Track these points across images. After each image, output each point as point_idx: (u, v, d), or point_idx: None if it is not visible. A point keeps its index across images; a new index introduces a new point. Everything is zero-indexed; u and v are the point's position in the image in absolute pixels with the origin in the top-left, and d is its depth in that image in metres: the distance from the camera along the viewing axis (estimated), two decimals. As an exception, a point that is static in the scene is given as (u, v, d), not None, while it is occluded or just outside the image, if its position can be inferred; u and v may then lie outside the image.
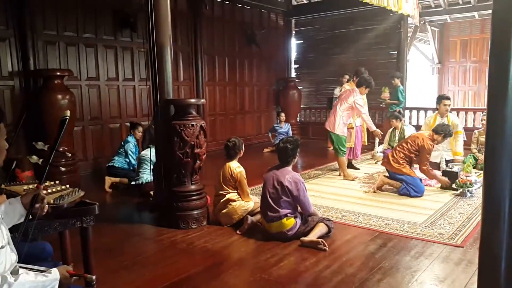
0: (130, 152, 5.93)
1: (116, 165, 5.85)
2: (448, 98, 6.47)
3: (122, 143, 6.08)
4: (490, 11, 2.17)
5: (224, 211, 4.09)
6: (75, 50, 6.73)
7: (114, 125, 7.28)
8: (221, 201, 4.11)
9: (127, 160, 5.92)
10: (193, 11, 8.46)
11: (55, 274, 1.75)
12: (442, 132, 5.30)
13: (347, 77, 8.31)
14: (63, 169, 5.78)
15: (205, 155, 4.15)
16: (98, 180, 5.84)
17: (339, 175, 6.25)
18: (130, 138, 6.07)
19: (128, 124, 7.50)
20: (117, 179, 5.74)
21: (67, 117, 1.95)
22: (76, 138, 6.66)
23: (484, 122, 6.72)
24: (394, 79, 8.31)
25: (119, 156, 5.95)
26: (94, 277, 1.96)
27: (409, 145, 5.29)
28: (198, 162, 4.05)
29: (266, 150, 8.82)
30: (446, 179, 5.37)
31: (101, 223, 3.98)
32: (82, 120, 6.84)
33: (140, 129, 6.15)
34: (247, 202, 4.13)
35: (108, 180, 5.66)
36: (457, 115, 8.97)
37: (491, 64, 2.21)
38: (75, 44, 6.73)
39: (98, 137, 7.10)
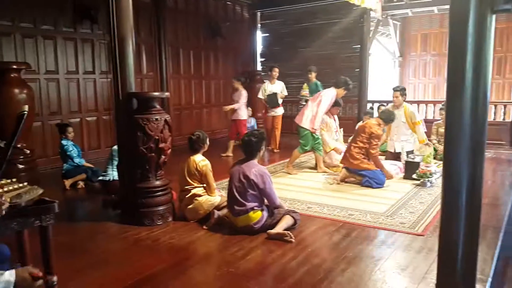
0: (71, 155, 5.60)
1: (69, 169, 5.61)
2: (397, 90, 6.51)
3: (59, 150, 5.71)
4: (448, 6, 2.24)
5: (190, 206, 4.05)
6: (32, 42, 6.47)
7: (74, 120, 7.05)
8: (187, 196, 4.06)
9: (72, 163, 5.62)
10: (156, 3, 8.28)
11: (7, 276, 1.63)
12: (384, 115, 5.58)
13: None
14: (21, 166, 5.54)
15: (170, 150, 4.08)
16: (59, 178, 5.65)
17: (318, 171, 6.24)
18: (64, 142, 5.64)
19: (88, 118, 7.32)
20: (77, 178, 5.57)
21: (25, 112, 1.87)
22: (35, 134, 6.41)
23: (443, 113, 7.01)
24: (311, 72, 7.89)
25: (65, 162, 5.66)
26: (55, 278, 1.89)
27: (360, 137, 5.42)
28: (163, 157, 3.99)
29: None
30: (391, 173, 5.55)
31: (62, 221, 3.88)
32: (41, 115, 6.59)
33: (71, 129, 5.79)
34: (213, 197, 4.11)
35: (67, 182, 5.49)
36: (418, 108, 9.25)
37: (449, 57, 2.29)
38: (33, 36, 6.46)
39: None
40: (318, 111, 5.97)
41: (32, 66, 6.36)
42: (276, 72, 8.00)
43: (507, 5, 2.09)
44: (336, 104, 6.39)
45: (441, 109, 7.50)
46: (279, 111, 8.02)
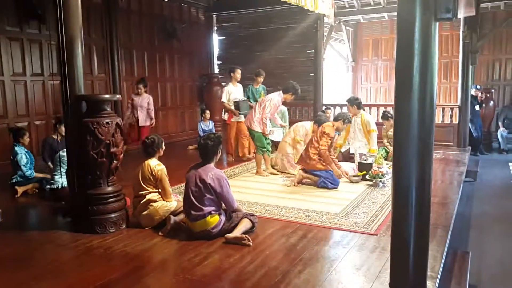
0: (22, 166, 5.26)
1: (19, 180, 5.30)
2: (347, 101, 6.75)
3: (11, 157, 5.37)
4: (397, 13, 2.31)
5: (144, 212, 3.93)
6: (-28, 42, 6.11)
7: (22, 124, 6.70)
8: (141, 202, 3.94)
9: (22, 173, 5.31)
10: (107, 2, 8.05)
11: None
12: (341, 118, 5.66)
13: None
14: (-39, 173, 5.21)
15: (122, 154, 3.95)
16: (5, 185, 5.34)
17: (265, 171, 6.28)
18: (18, 149, 5.33)
19: (37, 122, 7.00)
20: (29, 186, 5.28)
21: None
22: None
23: (385, 122, 7.21)
24: (261, 76, 7.57)
25: (16, 171, 5.33)
26: None
27: (316, 137, 5.51)
28: (115, 162, 3.84)
29: (190, 147, 8.69)
30: (340, 172, 5.60)
31: (7, 231, 3.68)
32: (-16, 120, 6.24)
33: (27, 135, 5.50)
34: (169, 202, 4.02)
35: (19, 189, 5.17)
36: (369, 110, 9.53)
37: (397, 62, 2.37)
38: (-27, 36, 6.10)
39: (4, 138, 6.48)
40: (263, 116, 6.07)
41: (-27, 68, 6.01)
42: (238, 73, 7.38)
43: (448, 14, 2.20)
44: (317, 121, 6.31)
45: (382, 117, 7.56)
46: (242, 116, 7.52)
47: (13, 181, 5.31)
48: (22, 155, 5.33)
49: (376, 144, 6.62)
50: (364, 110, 6.88)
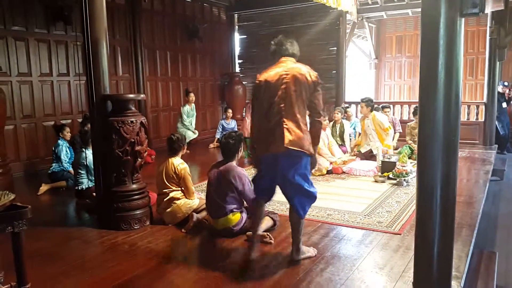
0: (62, 157, 5.69)
1: (56, 170, 5.65)
2: (362, 101, 6.68)
3: (53, 148, 5.79)
4: (421, 9, 2.28)
5: (168, 210, 3.99)
6: (3, 44, 6.29)
7: (48, 123, 6.89)
8: (165, 200, 4.00)
9: (61, 165, 5.70)
10: (131, 4, 8.18)
11: None
12: None
13: None
14: (-9, 171, 5.38)
15: (146, 153, 4.02)
16: (33, 182, 5.51)
17: None
18: (60, 142, 5.78)
19: (62, 122, 7.17)
20: (56, 184, 5.50)
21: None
22: (7, 137, 6.23)
23: (416, 118, 7.10)
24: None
25: (55, 162, 5.72)
26: (28, 287, 1.84)
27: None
28: (139, 160, 3.92)
29: (212, 146, 8.75)
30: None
31: (36, 227, 3.77)
32: (13, 119, 6.42)
33: (68, 129, 5.91)
34: (192, 200, 4.07)
35: (44, 187, 5.39)
36: (393, 108, 9.40)
37: (422, 59, 2.33)
38: (3, 38, 6.28)
39: (32, 136, 6.71)
40: None
41: (3, 69, 6.20)
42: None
43: (475, 9, 2.15)
44: None
45: (413, 112, 7.56)
46: None
47: (50, 172, 5.66)
48: (63, 147, 5.73)
49: (392, 140, 6.52)
50: (378, 110, 6.83)
